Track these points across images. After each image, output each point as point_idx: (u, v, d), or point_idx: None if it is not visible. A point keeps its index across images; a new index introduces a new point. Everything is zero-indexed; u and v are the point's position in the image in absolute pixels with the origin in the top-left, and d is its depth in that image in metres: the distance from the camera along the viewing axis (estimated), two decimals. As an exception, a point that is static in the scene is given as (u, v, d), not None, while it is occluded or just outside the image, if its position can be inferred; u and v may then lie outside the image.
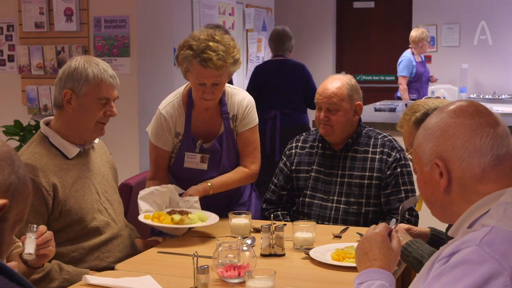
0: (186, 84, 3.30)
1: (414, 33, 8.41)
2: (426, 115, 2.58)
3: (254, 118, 3.33)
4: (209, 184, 3.17)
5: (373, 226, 1.87)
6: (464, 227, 1.55)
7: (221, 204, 3.31)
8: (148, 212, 2.98)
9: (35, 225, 2.24)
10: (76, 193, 2.71)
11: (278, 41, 6.45)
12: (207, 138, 3.25)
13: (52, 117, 2.83)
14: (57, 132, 2.75)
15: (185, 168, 3.26)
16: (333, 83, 3.26)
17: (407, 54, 8.46)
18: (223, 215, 3.16)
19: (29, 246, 2.18)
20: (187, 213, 2.92)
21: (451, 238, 1.61)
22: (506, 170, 1.56)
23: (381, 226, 1.85)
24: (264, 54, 8.97)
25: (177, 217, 2.86)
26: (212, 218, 3.00)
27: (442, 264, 1.45)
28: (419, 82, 8.29)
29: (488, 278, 1.37)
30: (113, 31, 5.51)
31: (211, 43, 3.06)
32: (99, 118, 2.74)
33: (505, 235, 1.44)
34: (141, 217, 2.93)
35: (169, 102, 3.27)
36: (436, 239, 2.68)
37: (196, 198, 3.08)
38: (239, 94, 3.31)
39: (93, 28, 5.59)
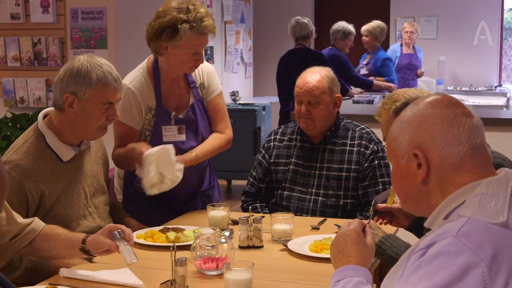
0: (148, 58, 3.27)
1: (404, 24, 8.72)
2: (406, 104, 2.56)
3: (218, 83, 3.34)
4: (194, 154, 3.12)
5: (347, 222, 1.86)
6: (440, 218, 1.56)
7: (189, 192, 3.30)
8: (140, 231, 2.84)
9: (118, 232, 2.22)
10: (64, 199, 2.67)
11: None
12: (179, 110, 3.21)
13: (50, 109, 2.74)
14: (55, 132, 2.66)
15: (165, 143, 3.10)
16: (313, 76, 3.26)
17: (393, 45, 8.64)
18: (191, 205, 3.27)
19: (129, 254, 2.20)
20: (181, 230, 2.78)
21: (428, 229, 1.62)
22: (482, 161, 1.57)
23: (355, 222, 1.84)
24: (243, 46, 8.96)
25: (172, 235, 2.71)
26: (206, 231, 2.85)
27: (419, 256, 1.46)
28: (400, 73, 8.34)
29: (465, 269, 1.38)
30: (90, 23, 5.48)
31: (202, 10, 3.06)
32: (102, 122, 2.65)
33: (481, 226, 1.45)
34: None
35: (134, 77, 3.18)
36: (421, 220, 2.66)
37: (181, 166, 2.97)
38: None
39: (70, 19, 5.55)
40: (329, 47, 7.70)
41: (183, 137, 3.20)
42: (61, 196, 2.66)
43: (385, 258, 2.43)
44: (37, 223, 2.42)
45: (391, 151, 1.66)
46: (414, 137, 1.59)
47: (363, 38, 8.02)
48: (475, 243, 1.41)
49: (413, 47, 8.69)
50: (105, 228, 2.29)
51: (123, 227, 2.28)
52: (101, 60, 2.65)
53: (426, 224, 1.63)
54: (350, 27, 7.61)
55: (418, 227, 2.66)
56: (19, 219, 2.39)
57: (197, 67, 3.18)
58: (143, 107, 3.16)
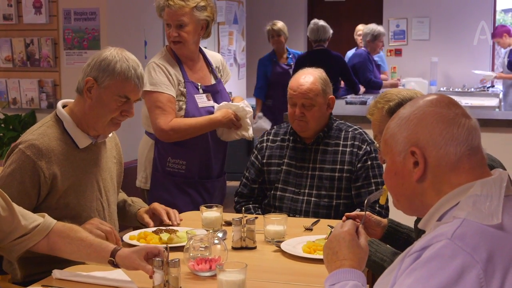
0: (166, 45, 3.69)
1: (358, 26, 8.73)
2: (400, 105, 2.56)
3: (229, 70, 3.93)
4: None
5: (340, 224, 1.85)
6: (434, 220, 1.56)
7: (219, 169, 3.75)
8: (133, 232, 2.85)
9: (160, 260, 2.17)
10: (78, 188, 2.66)
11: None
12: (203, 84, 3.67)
13: (70, 100, 2.75)
14: (73, 118, 2.67)
15: (200, 108, 3.57)
16: (307, 78, 3.26)
17: (349, 51, 8.76)
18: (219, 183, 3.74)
19: (159, 278, 2.16)
20: (174, 231, 2.77)
21: (419, 229, 1.62)
22: (478, 162, 1.57)
23: (348, 223, 1.83)
24: (236, 47, 8.96)
25: (165, 236, 2.70)
26: (199, 232, 2.86)
27: (414, 258, 1.46)
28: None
29: (461, 271, 1.38)
30: (83, 24, 5.47)
31: None
32: (115, 116, 2.64)
33: (476, 228, 1.45)
34: (126, 238, 2.75)
35: (159, 57, 3.58)
36: (393, 231, 2.69)
37: (245, 101, 3.68)
38: (211, 52, 3.90)
39: (62, 20, 5.54)
40: (362, 48, 8.03)
41: (212, 103, 3.61)
42: (75, 185, 2.64)
43: (370, 264, 2.42)
44: (45, 224, 2.39)
45: (387, 148, 1.65)
46: (412, 135, 1.58)
47: (280, 38, 7.54)
48: (470, 246, 1.41)
49: None
50: (142, 248, 2.25)
51: (160, 250, 2.23)
52: (131, 56, 2.68)
53: (420, 225, 1.63)
54: (379, 29, 7.92)
55: (392, 238, 2.66)
56: (24, 221, 2.37)
57: (175, 44, 3.54)
58: (175, 78, 3.54)
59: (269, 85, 7.52)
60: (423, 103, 1.61)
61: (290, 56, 7.55)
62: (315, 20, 7.34)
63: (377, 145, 2.69)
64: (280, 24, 7.53)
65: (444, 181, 1.56)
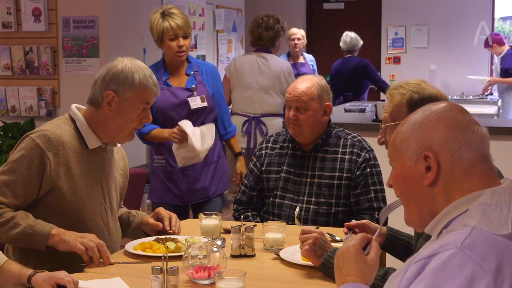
0: None
1: (292, 30, 7.72)
2: (422, 100, 2.50)
3: None
4: None
5: (350, 237, 1.84)
6: (441, 226, 1.55)
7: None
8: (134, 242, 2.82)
9: (156, 267, 2.19)
10: (84, 188, 2.67)
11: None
12: None
13: (82, 106, 2.77)
14: (86, 121, 2.70)
15: None
16: (303, 82, 3.28)
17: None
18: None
19: (157, 286, 2.20)
20: (175, 240, 2.73)
21: (418, 236, 1.62)
22: (489, 169, 1.56)
23: (356, 237, 1.80)
24: (235, 54, 8.97)
25: (171, 245, 2.68)
26: (203, 240, 2.83)
27: (420, 266, 1.44)
28: None
29: (470, 281, 1.37)
30: (82, 32, 5.48)
31: None
32: (136, 124, 2.70)
33: (486, 237, 1.44)
34: (129, 248, 2.71)
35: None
36: (392, 239, 2.68)
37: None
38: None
39: (61, 28, 5.55)
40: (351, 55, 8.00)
41: None
42: (81, 184, 2.65)
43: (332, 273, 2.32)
44: None
45: (397, 152, 1.63)
46: (426, 139, 1.57)
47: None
48: (479, 255, 1.40)
49: (302, 55, 7.87)
50: (50, 277, 2.24)
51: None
52: (142, 64, 2.73)
53: (426, 230, 1.60)
54: None
55: (392, 245, 2.66)
56: None
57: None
58: None
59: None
60: (436, 109, 1.60)
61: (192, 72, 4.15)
62: (347, 32, 7.88)
63: (383, 126, 2.58)
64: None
65: (456, 187, 1.54)
